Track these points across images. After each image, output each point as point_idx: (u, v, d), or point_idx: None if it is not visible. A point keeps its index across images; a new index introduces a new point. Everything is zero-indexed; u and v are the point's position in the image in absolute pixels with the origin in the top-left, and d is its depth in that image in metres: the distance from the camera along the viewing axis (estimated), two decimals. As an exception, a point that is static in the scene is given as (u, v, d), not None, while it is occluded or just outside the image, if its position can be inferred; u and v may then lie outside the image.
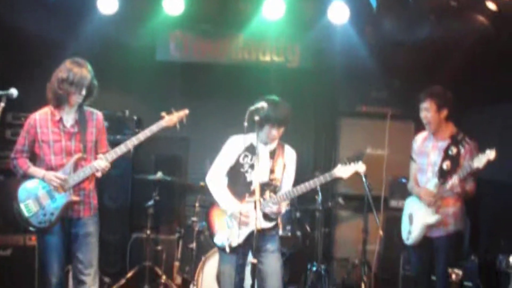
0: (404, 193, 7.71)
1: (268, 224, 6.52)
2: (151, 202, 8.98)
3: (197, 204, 8.88)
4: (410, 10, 8.09)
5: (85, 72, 6.22)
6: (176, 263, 9.20)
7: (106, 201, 9.45)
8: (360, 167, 6.51)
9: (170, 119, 6.49)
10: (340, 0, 8.51)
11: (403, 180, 8.07)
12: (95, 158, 6.38)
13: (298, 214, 8.92)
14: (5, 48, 9.44)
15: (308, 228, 9.14)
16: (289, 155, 6.72)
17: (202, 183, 8.67)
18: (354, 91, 10.13)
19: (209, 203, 6.83)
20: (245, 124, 5.85)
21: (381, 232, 8.28)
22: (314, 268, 8.90)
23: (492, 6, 7.75)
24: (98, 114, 6.60)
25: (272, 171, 6.54)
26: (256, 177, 6.06)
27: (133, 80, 9.78)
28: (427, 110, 7.05)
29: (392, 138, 9.62)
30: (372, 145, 9.83)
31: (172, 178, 9.07)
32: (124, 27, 9.45)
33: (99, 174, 6.40)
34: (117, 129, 9.31)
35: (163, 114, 6.50)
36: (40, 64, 9.32)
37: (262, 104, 6.05)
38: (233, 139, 6.60)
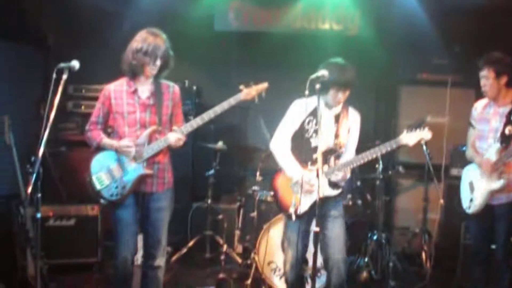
0: (465, 161, 7.59)
1: (334, 192, 6.46)
2: (211, 172, 9.05)
3: (258, 173, 8.88)
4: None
5: (159, 42, 6.14)
6: (237, 232, 9.31)
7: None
8: (426, 134, 6.34)
9: (248, 93, 6.35)
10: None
11: (464, 148, 7.94)
12: (170, 131, 6.29)
13: (358, 183, 8.89)
14: (63, 20, 9.62)
15: (368, 197, 9.11)
16: (354, 118, 6.60)
17: (262, 154, 8.73)
18: (414, 59, 10.03)
19: (274, 170, 6.79)
20: (306, 92, 5.74)
21: (442, 201, 8.25)
22: (375, 237, 8.85)
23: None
24: (175, 87, 6.50)
25: (337, 136, 6.44)
26: (320, 143, 6.11)
27: (192, 50, 9.72)
28: (486, 78, 6.90)
29: (452, 106, 9.50)
30: (432, 112, 9.57)
31: (232, 147, 9.08)
32: (182, -3, 9.46)
33: (174, 147, 6.30)
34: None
35: (241, 87, 6.37)
36: (98, 36, 9.53)
37: (323, 72, 5.90)
38: (297, 103, 6.49)
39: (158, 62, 6.17)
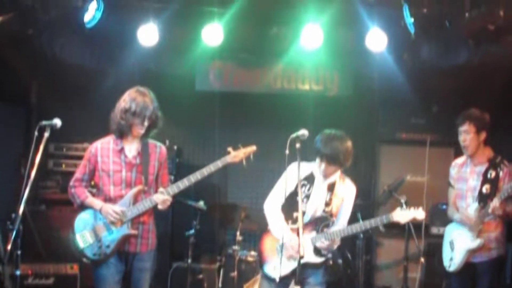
0: (445, 219, 7.66)
1: (316, 259, 6.39)
2: (192, 231, 8.99)
3: (238, 233, 8.85)
4: (448, 35, 8.07)
5: (148, 102, 6.18)
6: (218, 292, 9.21)
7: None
8: (420, 214, 6.38)
9: (236, 155, 6.38)
10: (377, 27, 8.46)
11: (444, 207, 8.01)
12: (156, 192, 6.27)
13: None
14: (46, 77, 9.67)
15: (349, 256, 9.10)
16: (349, 190, 6.59)
17: (242, 213, 8.75)
18: (393, 118, 10.10)
19: (253, 230, 6.77)
20: (286, 152, 5.73)
21: (422, 259, 8.26)
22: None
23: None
24: (162, 148, 6.54)
25: (327, 204, 6.41)
26: (313, 209, 6.21)
27: (173, 110, 9.56)
28: (466, 133, 7.01)
29: (431, 165, 9.52)
30: (412, 171, 9.78)
31: (212, 206, 9.06)
32: (164, 57, 9.58)
33: (161, 208, 6.27)
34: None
35: (229, 149, 6.40)
36: (80, 94, 9.57)
37: (303, 131, 5.90)
38: (293, 166, 6.30)
39: (146, 123, 6.18)
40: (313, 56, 9.39)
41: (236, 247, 8.75)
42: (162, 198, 6.19)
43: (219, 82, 9.91)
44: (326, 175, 6.38)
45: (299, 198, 5.84)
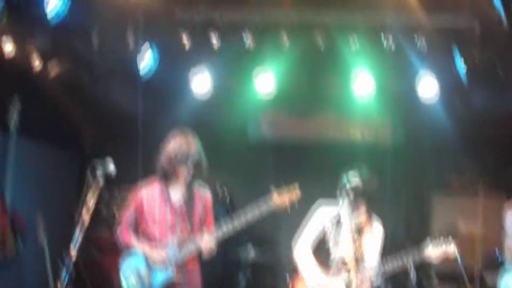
0: (500, 270, 7.49)
1: None
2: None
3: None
4: (500, 83, 8.02)
5: (193, 147, 6.14)
6: None
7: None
8: (451, 250, 6.21)
9: (281, 201, 6.25)
10: (429, 75, 8.45)
11: (499, 257, 7.84)
12: (201, 238, 6.14)
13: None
14: (99, 125, 9.85)
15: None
16: (377, 231, 6.49)
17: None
18: (446, 166, 10.06)
19: (294, 274, 6.70)
20: (340, 204, 5.84)
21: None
22: None
23: None
24: (207, 193, 6.44)
25: (358, 247, 6.22)
26: (340, 253, 6.08)
27: (225, 158, 9.85)
28: None
29: (485, 213, 9.43)
30: (465, 220, 9.64)
31: (263, 259, 8.98)
32: (217, 108, 9.71)
33: (205, 253, 6.14)
34: (211, 208, 9.43)
35: (274, 194, 6.25)
36: (135, 143, 9.66)
37: (356, 180, 5.98)
38: (321, 209, 6.43)
39: (191, 168, 6.14)
40: (365, 105, 9.38)
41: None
42: (207, 243, 6.08)
43: (272, 131, 10.04)
44: (353, 213, 6.21)
45: (338, 245, 5.96)
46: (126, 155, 9.41)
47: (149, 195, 6.27)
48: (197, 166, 6.18)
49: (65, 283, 5.36)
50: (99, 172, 5.69)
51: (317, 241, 6.40)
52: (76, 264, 5.44)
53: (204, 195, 6.40)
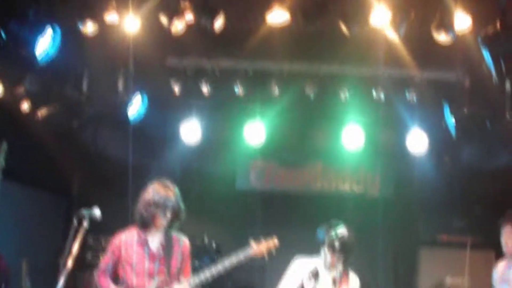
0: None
1: None
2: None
3: None
4: (489, 137, 8.02)
5: (170, 194, 6.02)
6: None
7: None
8: None
9: (258, 249, 6.24)
10: (418, 128, 8.46)
11: (485, 313, 7.71)
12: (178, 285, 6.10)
13: None
14: (88, 170, 9.78)
15: None
16: (353, 283, 6.34)
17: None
18: (433, 220, 9.99)
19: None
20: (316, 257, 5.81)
21: None
22: None
23: None
24: (185, 241, 6.29)
25: None
26: None
27: (213, 207, 9.87)
28: (508, 236, 6.81)
29: (472, 268, 9.33)
30: (452, 274, 9.54)
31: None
32: (206, 156, 9.68)
33: None
34: (196, 256, 9.29)
35: (252, 242, 6.25)
36: (121, 188, 9.61)
37: (339, 233, 5.92)
38: (297, 262, 6.33)
39: (169, 214, 6.01)
40: (354, 157, 9.39)
41: None
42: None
43: (260, 181, 9.98)
44: (331, 266, 6.16)
45: None
46: (114, 201, 9.37)
47: (127, 241, 6.14)
48: (175, 212, 6.07)
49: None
50: (85, 221, 5.67)
51: None
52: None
53: (182, 242, 6.28)
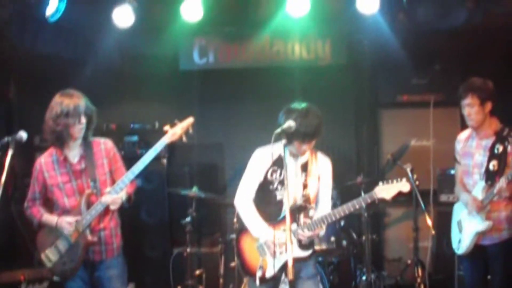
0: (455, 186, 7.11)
1: (304, 253, 5.91)
2: (188, 219, 8.55)
3: (235, 220, 8.36)
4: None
5: (77, 100, 5.81)
6: (220, 281, 8.78)
7: (143, 216, 9.31)
8: (404, 186, 5.78)
9: (174, 133, 6.00)
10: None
11: (453, 172, 7.46)
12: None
13: (342, 223, 8.34)
14: (23, 72, 9.39)
15: (354, 236, 8.57)
16: (324, 165, 6.05)
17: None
18: (392, 81, 9.59)
19: (238, 229, 6.30)
20: (272, 145, 5.31)
21: (432, 231, 7.84)
22: (364, 277, 8.40)
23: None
24: (107, 143, 6.17)
25: (305, 186, 5.89)
26: (286, 197, 5.42)
27: (157, 91, 9.58)
28: (470, 106, 6.40)
29: (437, 127, 9.06)
30: (416, 136, 9.30)
31: (207, 194, 8.57)
32: (143, 38, 9.16)
33: (114, 208, 5.94)
34: (148, 143, 9.00)
35: (167, 128, 6.04)
36: (60, 84, 9.12)
37: (289, 123, 5.44)
38: (258, 152, 5.98)
39: (83, 120, 5.84)
40: (301, 24, 8.85)
41: (234, 236, 8.21)
42: (111, 198, 5.84)
43: (204, 59, 9.49)
44: (302, 153, 5.89)
45: (283, 186, 5.69)
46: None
47: (47, 163, 6.02)
48: (88, 116, 5.93)
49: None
50: (10, 148, 5.60)
51: (260, 187, 5.99)
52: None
53: (103, 145, 6.14)
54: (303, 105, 5.75)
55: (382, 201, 5.90)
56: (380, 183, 5.84)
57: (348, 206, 5.78)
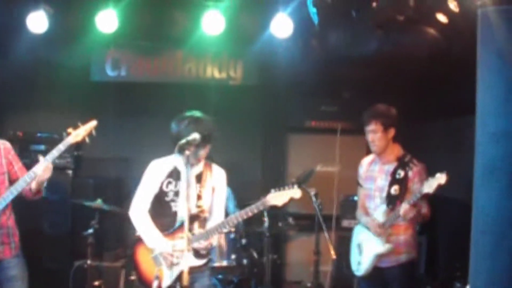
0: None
1: (199, 262, 5.98)
2: (90, 231, 8.43)
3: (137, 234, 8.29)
4: (355, 24, 7.67)
5: None
6: (120, 294, 8.69)
7: (46, 227, 9.07)
8: (295, 192, 5.88)
9: (77, 134, 6.14)
10: (283, 12, 7.97)
11: (356, 198, 7.62)
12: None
13: (243, 241, 8.33)
14: None
15: (255, 255, 8.60)
16: (218, 176, 6.16)
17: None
18: (302, 106, 9.78)
19: (134, 240, 6.26)
20: (174, 156, 5.54)
21: (333, 255, 7.89)
22: (264, 299, 8.44)
23: (442, 18, 7.28)
24: (5, 144, 6.13)
25: (199, 197, 5.97)
26: (181, 208, 5.75)
27: (67, 101, 9.47)
28: (374, 132, 6.58)
29: (343, 154, 9.25)
30: (322, 161, 9.38)
31: (110, 206, 8.48)
32: (57, 46, 9.00)
33: (46, 176, 5.95)
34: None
35: (70, 130, 6.17)
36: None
37: (194, 135, 5.51)
38: (154, 164, 6.04)
39: None
40: (215, 43, 8.93)
41: (131, 248, 8.20)
42: (43, 166, 5.87)
43: (116, 71, 9.47)
44: (198, 161, 5.97)
45: (178, 198, 5.81)
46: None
47: None
48: None
49: None
50: None
51: (155, 198, 6.02)
52: None
53: (3, 145, 6.11)
54: (194, 112, 5.95)
55: (275, 207, 5.99)
56: (272, 190, 5.91)
57: (241, 213, 5.88)
